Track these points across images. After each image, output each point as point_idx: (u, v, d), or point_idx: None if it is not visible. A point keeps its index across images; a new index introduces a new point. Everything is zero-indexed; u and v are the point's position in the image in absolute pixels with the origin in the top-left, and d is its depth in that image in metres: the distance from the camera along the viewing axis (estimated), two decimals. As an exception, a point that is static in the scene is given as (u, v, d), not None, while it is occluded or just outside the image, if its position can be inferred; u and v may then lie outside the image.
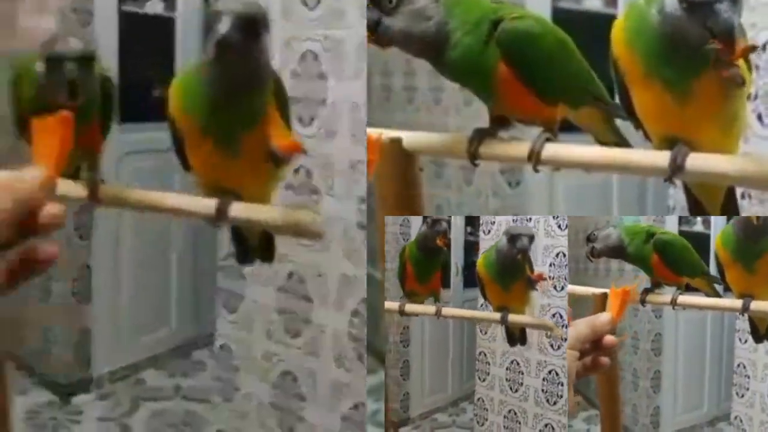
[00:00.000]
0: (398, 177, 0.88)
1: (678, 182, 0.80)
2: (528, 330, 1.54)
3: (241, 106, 0.78)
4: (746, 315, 1.26)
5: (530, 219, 1.74)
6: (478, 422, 1.81)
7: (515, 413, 1.70)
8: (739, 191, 1.27)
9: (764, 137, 1.66)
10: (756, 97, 1.63)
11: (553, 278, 1.46)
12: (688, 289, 1.33)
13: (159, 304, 2.91)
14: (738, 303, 1.19)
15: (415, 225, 2.45)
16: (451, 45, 0.77)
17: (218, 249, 1.99)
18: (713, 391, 2.41)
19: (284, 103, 0.84)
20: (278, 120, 0.80)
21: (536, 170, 0.81)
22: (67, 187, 0.86)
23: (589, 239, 1.30)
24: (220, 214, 0.82)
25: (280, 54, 1.79)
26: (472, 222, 2.37)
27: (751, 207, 1.62)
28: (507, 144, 0.83)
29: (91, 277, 2.65)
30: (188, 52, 2.89)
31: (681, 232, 2.05)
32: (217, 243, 1.99)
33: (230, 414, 1.99)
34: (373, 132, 0.86)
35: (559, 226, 1.41)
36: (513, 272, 1.31)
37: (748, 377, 2.00)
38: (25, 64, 0.88)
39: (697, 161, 0.73)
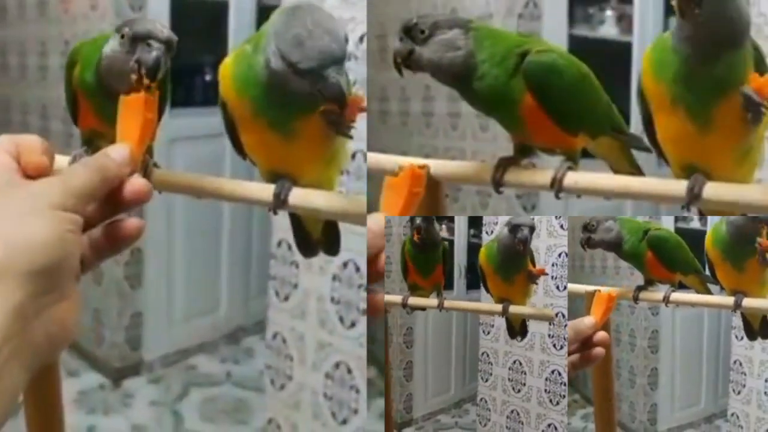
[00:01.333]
0: (425, 203, 0.89)
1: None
2: (531, 330, 1.54)
3: (296, 90, 0.75)
4: (739, 312, 1.27)
5: (533, 219, 1.71)
6: (480, 423, 1.81)
7: (518, 413, 1.70)
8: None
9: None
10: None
11: (555, 278, 1.46)
12: (681, 287, 1.33)
13: (210, 290, 2.92)
14: (730, 300, 1.21)
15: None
16: (478, 76, 0.80)
17: (272, 236, 1.97)
18: (710, 388, 2.44)
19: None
20: None
21: (558, 197, 0.84)
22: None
23: (587, 228, 1.30)
24: (279, 200, 0.79)
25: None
26: (475, 223, 2.36)
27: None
28: (530, 172, 0.86)
29: (144, 261, 2.66)
30: (241, 37, 2.87)
31: (677, 229, 2.03)
32: (272, 229, 1.97)
33: (282, 403, 1.97)
34: (406, 160, 0.86)
35: (561, 226, 1.44)
36: (514, 264, 1.32)
37: (745, 374, 2.02)
38: (87, 48, 0.86)
39: (713, 190, 0.76)
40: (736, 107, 0.74)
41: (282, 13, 0.74)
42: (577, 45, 2.31)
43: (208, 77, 2.91)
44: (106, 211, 0.57)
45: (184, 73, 2.81)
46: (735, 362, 2.05)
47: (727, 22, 0.72)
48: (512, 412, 1.73)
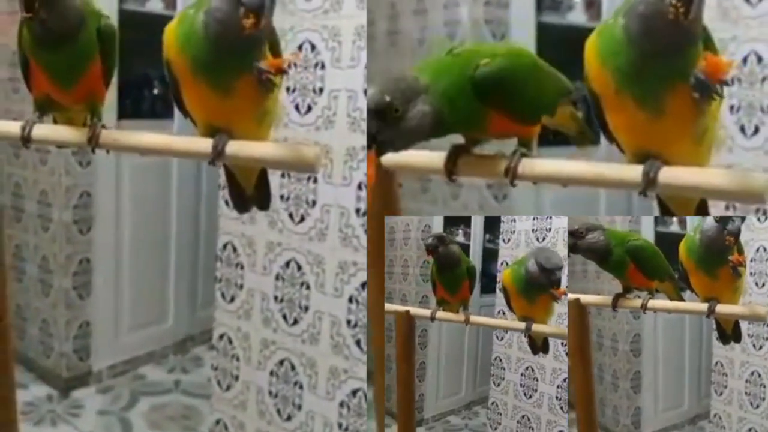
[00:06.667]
0: (378, 193, 0.92)
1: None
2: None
3: (236, 49, 0.81)
4: (712, 318, 1.31)
5: (550, 217, 1.76)
6: (491, 426, 1.83)
7: (528, 419, 1.73)
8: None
9: (747, 148, 1.70)
10: (739, 109, 1.66)
11: (567, 287, 1.49)
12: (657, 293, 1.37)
13: (158, 300, 2.93)
14: (704, 306, 1.25)
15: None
16: (448, 121, 0.79)
17: (218, 239, 2.01)
18: (693, 389, 2.45)
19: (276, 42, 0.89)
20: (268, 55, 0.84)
21: (513, 185, 0.82)
22: (68, 133, 0.87)
23: (574, 234, 1.30)
24: (216, 151, 0.84)
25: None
26: (490, 229, 2.38)
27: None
28: (484, 160, 0.84)
29: (92, 271, 2.67)
30: (188, 50, 2.90)
31: (657, 233, 2.06)
32: (218, 233, 2.01)
33: (228, 403, 2.00)
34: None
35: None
36: (540, 290, 1.38)
37: (726, 375, 2.04)
38: None
39: (669, 174, 0.74)
40: (686, 91, 0.72)
41: None
42: (546, 32, 2.28)
43: (155, 90, 2.94)
44: None
45: (132, 85, 2.84)
46: (716, 364, 2.07)
47: (700, 17, 0.71)
48: (523, 417, 1.77)
